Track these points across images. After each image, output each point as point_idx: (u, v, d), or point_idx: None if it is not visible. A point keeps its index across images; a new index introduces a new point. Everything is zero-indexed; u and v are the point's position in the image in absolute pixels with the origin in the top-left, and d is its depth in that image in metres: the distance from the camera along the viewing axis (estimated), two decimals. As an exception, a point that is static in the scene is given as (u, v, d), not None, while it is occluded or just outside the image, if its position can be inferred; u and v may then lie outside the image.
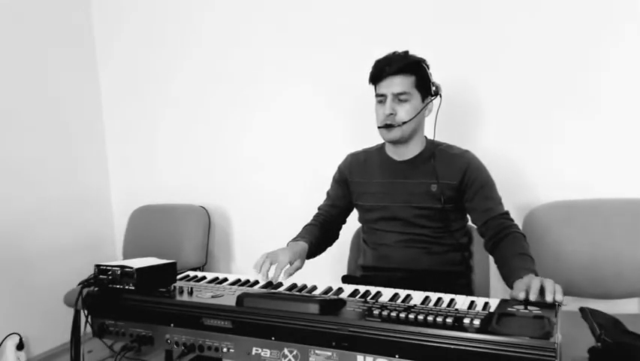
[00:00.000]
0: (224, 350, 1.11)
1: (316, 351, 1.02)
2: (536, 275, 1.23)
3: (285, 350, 1.05)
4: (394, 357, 0.95)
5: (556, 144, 1.96)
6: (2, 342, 2.37)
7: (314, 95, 2.36)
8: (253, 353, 1.08)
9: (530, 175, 2.00)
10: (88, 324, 1.26)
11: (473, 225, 1.59)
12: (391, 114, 1.49)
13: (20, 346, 2.42)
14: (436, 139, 1.60)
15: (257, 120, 2.53)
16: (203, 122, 2.66)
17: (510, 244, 1.40)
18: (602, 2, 1.84)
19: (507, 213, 1.51)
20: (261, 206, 2.55)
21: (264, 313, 1.07)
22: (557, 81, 1.93)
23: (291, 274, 1.39)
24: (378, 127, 1.54)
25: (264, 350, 1.07)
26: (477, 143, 2.05)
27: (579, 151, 1.93)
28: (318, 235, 1.61)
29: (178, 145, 2.75)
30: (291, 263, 1.40)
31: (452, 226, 1.57)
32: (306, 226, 1.67)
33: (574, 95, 1.92)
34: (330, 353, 1.01)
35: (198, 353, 1.14)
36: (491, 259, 1.74)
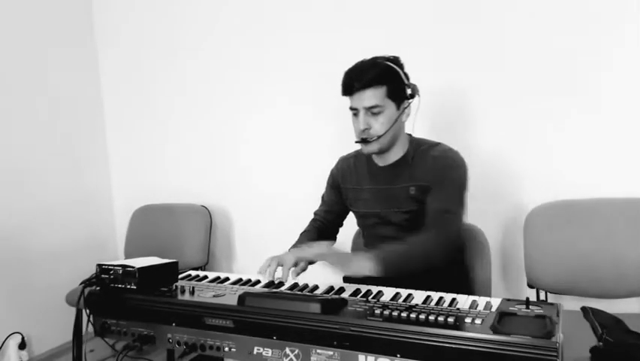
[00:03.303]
0: (226, 349, 1.11)
1: (318, 351, 1.02)
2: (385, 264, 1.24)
3: (287, 350, 1.05)
4: (396, 357, 0.96)
5: (556, 143, 1.96)
6: (4, 341, 2.37)
7: (315, 95, 2.36)
8: (255, 352, 1.08)
9: (530, 175, 2.00)
10: (90, 323, 1.26)
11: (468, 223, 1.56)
12: (366, 129, 1.44)
13: (22, 345, 2.43)
14: (425, 138, 1.56)
15: (258, 120, 2.53)
16: (204, 122, 2.66)
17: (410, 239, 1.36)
18: (599, 1, 1.84)
19: (448, 210, 1.41)
20: (263, 206, 2.56)
21: (266, 312, 1.07)
22: (558, 81, 1.93)
23: (298, 274, 1.37)
24: (355, 142, 1.50)
25: (266, 349, 1.07)
26: (478, 143, 2.05)
27: (579, 151, 1.93)
28: (317, 240, 1.58)
29: (179, 145, 2.75)
30: (296, 265, 1.39)
31: None
32: (303, 232, 1.66)
33: (574, 95, 1.91)
34: (331, 353, 1.01)
35: (200, 352, 1.14)
36: (493, 258, 1.74)
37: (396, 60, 1.49)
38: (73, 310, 2.05)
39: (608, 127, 1.88)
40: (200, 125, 2.68)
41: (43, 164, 2.61)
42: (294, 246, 1.55)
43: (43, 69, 2.62)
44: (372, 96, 1.43)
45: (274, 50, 2.43)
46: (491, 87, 2.02)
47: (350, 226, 1.78)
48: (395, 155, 1.53)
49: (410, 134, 1.57)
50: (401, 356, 0.95)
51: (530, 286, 1.88)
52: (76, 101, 2.79)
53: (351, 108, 1.48)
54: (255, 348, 1.08)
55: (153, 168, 2.84)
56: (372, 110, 1.43)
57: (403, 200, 1.50)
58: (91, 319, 1.26)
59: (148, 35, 2.75)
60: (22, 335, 2.43)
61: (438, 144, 1.54)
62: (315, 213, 1.74)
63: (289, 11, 2.38)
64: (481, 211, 2.00)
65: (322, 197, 1.75)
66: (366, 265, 1.25)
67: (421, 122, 2.00)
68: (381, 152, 1.51)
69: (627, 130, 1.86)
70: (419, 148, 1.52)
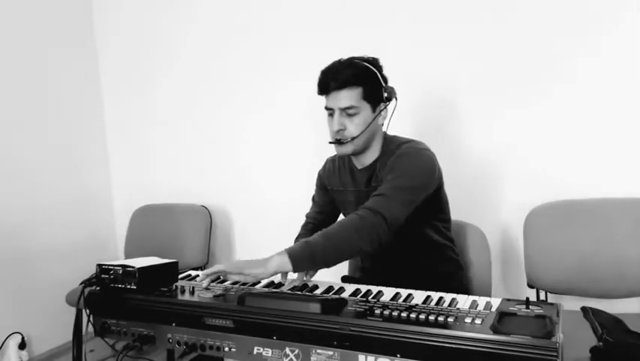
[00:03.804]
0: (226, 349, 1.11)
1: (318, 351, 1.02)
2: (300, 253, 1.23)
3: (287, 350, 1.05)
4: (396, 357, 0.95)
5: (556, 143, 1.96)
6: (4, 341, 2.37)
7: (315, 95, 2.35)
8: (255, 352, 1.08)
9: (530, 175, 2.00)
10: (90, 323, 1.26)
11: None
12: (340, 130, 1.43)
13: (22, 345, 2.42)
14: (398, 135, 1.54)
15: (258, 120, 2.53)
16: (205, 122, 2.66)
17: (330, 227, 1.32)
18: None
19: (383, 194, 1.35)
20: (263, 206, 2.56)
21: (266, 312, 1.07)
22: (558, 80, 1.93)
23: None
24: (329, 142, 1.48)
25: (266, 349, 1.07)
26: (478, 143, 2.05)
27: (580, 151, 1.93)
28: None
29: (180, 145, 2.75)
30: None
31: (424, 224, 1.50)
32: (297, 238, 1.64)
33: (575, 95, 1.91)
34: (331, 353, 1.01)
35: (200, 352, 1.14)
36: (493, 258, 1.74)
37: (374, 62, 1.46)
38: (73, 310, 2.05)
39: (608, 127, 1.88)
40: (200, 125, 2.68)
41: (43, 164, 2.61)
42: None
43: (44, 69, 2.62)
44: (347, 97, 1.41)
45: (274, 50, 2.43)
46: (491, 86, 2.02)
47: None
48: (370, 157, 1.51)
49: (385, 133, 1.54)
50: (401, 356, 0.95)
51: (530, 286, 1.88)
52: (76, 101, 2.79)
53: (327, 108, 1.46)
54: (255, 348, 1.08)
55: (153, 168, 2.84)
56: (348, 111, 1.42)
57: None
58: (91, 319, 1.26)
59: (148, 35, 2.75)
60: (22, 335, 2.43)
61: (408, 141, 1.51)
62: (307, 216, 1.73)
63: (290, 11, 2.38)
64: (481, 211, 2.01)
65: (313, 198, 1.75)
66: (278, 262, 1.21)
67: (418, 121, 2.00)
68: (356, 154, 1.49)
69: (628, 130, 1.86)
70: (389, 148, 1.50)
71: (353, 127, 1.43)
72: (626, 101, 1.85)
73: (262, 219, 2.56)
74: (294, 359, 1.04)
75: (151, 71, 2.77)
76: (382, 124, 1.51)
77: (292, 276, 1.36)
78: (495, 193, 2.06)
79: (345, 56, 1.48)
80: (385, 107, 1.48)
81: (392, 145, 1.50)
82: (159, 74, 2.75)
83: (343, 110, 1.42)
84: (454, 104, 2.09)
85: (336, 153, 1.52)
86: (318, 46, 2.30)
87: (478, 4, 2.00)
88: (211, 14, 2.57)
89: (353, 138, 1.43)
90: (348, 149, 1.46)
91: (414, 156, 1.44)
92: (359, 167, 1.55)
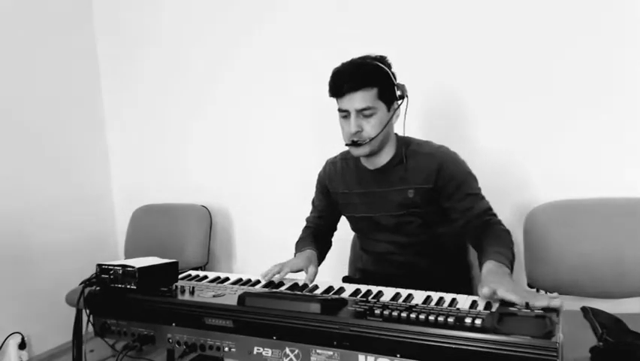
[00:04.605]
0: (226, 349, 1.11)
1: (318, 351, 1.02)
2: (510, 264, 1.23)
3: (287, 350, 1.05)
4: (396, 357, 0.96)
5: (557, 143, 1.95)
6: (4, 341, 2.38)
7: (315, 95, 2.35)
8: (255, 352, 1.08)
9: (530, 175, 2.00)
10: (90, 323, 1.26)
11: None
12: (358, 131, 1.40)
13: (22, 345, 2.43)
14: (405, 135, 1.54)
15: (259, 120, 2.53)
16: (205, 122, 2.66)
17: (489, 235, 1.35)
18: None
19: (489, 208, 1.45)
20: (263, 206, 2.55)
21: (266, 312, 1.07)
22: (558, 80, 1.92)
23: (311, 281, 1.38)
24: (346, 144, 1.45)
25: (266, 349, 1.07)
26: (477, 142, 2.05)
27: (580, 151, 1.93)
28: (316, 245, 1.58)
29: (180, 144, 2.75)
30: (306, 270, 1.40)
31: (442, 226, 1.51)
32: (298, 241, 1.64)
33: (574, 95, 1.91)
34: (331, 353, 1.01)
35: (200, 352, 1.14)
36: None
37: (383, 60, 1.45)
38: (74, 310, 2.06)
39: (608, 127, 1.88)
40: (200, 125, 2.68)
41: (43, 164, 2.61)
42: (298, 252, 1.54)
43: (43, 69, 2.62)
44: (364, 98, 1.38)
45: (276, 52, 2.43)
46: (491, 87, 2.02)
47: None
48: (385, 157, 1.50)
49: (396, 134, 1.54)
50: (401, 356, 0.95)
51: (530, 286, 1.88)
52: (76, 101, 2.79)
53: (341, 110, 1.44)
54: (255, 348, 1.08)
55: (154, 168, 2.84)
56: (364, 113, 1.39)
57: (397, 203, 1.48)
58: (91, 319, 1.26)
59: (149, 34, 2.75)
60: (22, 335, 2.44)
61: (426, 142, 1.52)
62: (307, 220, 1.72)
63: (292, 13, 2.37)
64: (481, 211, 2.00)
65: (312, 202, 1.73)
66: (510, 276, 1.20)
67: (418, 121, 1.99)
68: (372, 154, 1.47)
69: (628, 130, 1.86)
70: (408, 148, 1.49)
71: (370, 128, 1.40)
72: (627, 101, 1.85)
73: (262, 220, 2.56)
74: (294, 359, 1.04)
75: (151, 71, 2.77)
76: (394, 123, 1.50)
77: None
78: (495, 193, 2.05)
79: (352, 57, 1.46)
80: (399, 106, 1.47)
81: (411, 145, 1.49)
82: (159, 74, 2.75)
83: (360, 111, 1.39)
84: (454, 105, 2.09)
85: (352, 154, 1.49)
86: (321, 47, 2.30)
87: (486, 4, 2.00)
88: (212, 14, 2.57)
89: (371, 139, 1.41)
90: (365, 150, 1.43)
91: (458, 159, 1.49)
92: (371, 167, 1.52)
